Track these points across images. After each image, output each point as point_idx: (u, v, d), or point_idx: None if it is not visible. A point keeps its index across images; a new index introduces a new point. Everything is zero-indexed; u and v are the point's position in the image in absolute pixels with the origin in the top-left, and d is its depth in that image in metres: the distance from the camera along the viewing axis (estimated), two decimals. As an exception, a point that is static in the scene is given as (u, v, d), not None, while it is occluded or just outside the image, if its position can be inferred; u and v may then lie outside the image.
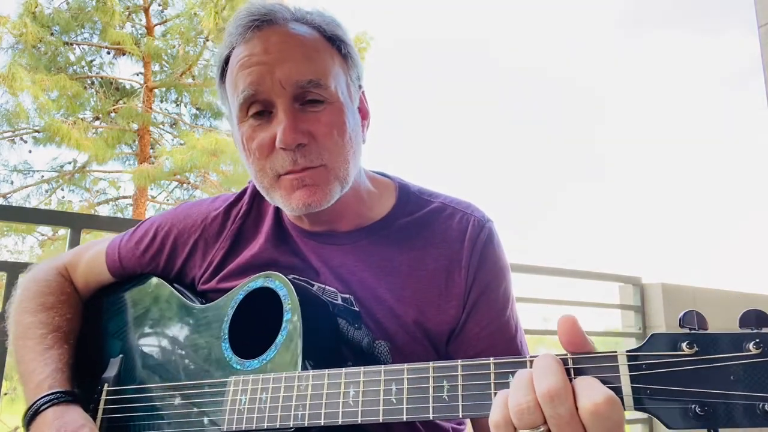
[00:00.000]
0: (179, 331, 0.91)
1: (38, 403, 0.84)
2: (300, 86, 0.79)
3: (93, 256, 1.04)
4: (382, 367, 0.64)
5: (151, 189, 12.03)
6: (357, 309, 0.86)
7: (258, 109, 0.81)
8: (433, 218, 0.90)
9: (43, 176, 11.92)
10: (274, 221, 0.94)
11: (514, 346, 0.88)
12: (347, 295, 0.87)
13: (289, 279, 0.84)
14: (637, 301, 3.04)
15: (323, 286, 0.88)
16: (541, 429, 0.52)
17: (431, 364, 0.62)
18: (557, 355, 0.55)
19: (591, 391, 0.51)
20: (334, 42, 0.85)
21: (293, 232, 0.93)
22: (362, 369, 0.66)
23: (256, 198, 0.97)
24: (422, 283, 0.86)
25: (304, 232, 0.91)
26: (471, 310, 0.86)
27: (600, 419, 0.50)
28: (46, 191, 11.98)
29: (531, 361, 0.56)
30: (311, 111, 0.80)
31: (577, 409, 0.51)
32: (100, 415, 0.90)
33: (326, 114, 0.81)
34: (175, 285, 0.97)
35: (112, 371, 0.93)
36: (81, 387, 0.91)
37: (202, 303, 0.93)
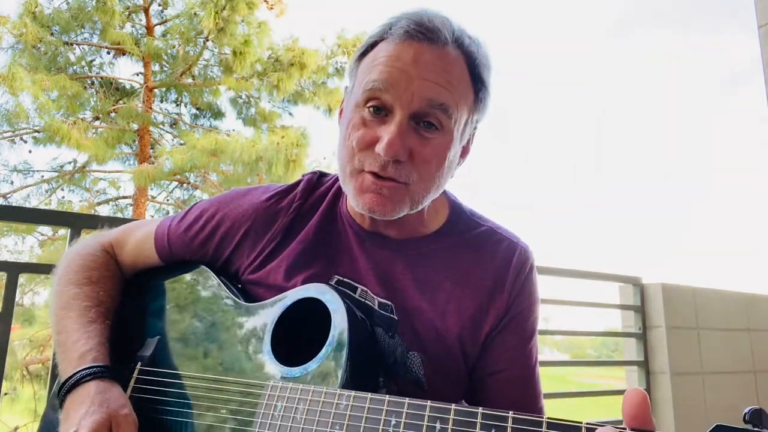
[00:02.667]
0: (221, 324, 0.91)
1: (81, 373, 0.83)
2: (430, 105, 0.80)
3: (142, 237, 1.04)
4: (428, 403, 0.63)
5: (151, 189, 12.03)
6: (395, 317, 0.86)
7: (377, 104, 0.81)
8: (482, 240, 0.93)
9: (43, 176, 11.92)
10: (326, 216, 0.95)
11: (531, 374, 0.91)
12: (388, 303, 0.87)
13: (335, 286, 0.84)
14: (637, 301, 3.04)
15: (366, 289, 0.89)
16: None
17: (480, 409, 0.60)
18: (617, 428, 0.53)
19: None
20: (476, 81, 0.86)
21: (348, 228, 0.93)
22: (407, 400, 0.65)
23: (311, 192, 0.98)
24: (465, 299, 0.88)
25: (359, 230, 0.93)
26: (503, 329, 0.89)
27: None
28: (46, 191, 11.97)
29: (587, 428, 0.55)
30: (423, 134, 0.81)
31: None
32: (129, 392, 0.90)
33: (434, 143, 0.82)
34: (222, 277, 0.97)
35: (147, 350, 0.93)
36: (116, 360, 0.90)
37: (246, 298, 0.93)
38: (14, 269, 1.54)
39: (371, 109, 0.81)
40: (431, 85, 0.79)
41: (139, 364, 0.92)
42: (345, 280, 0.90)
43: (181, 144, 11.59)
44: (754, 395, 3.18)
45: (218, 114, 12.60)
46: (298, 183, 0.99)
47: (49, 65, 11.12)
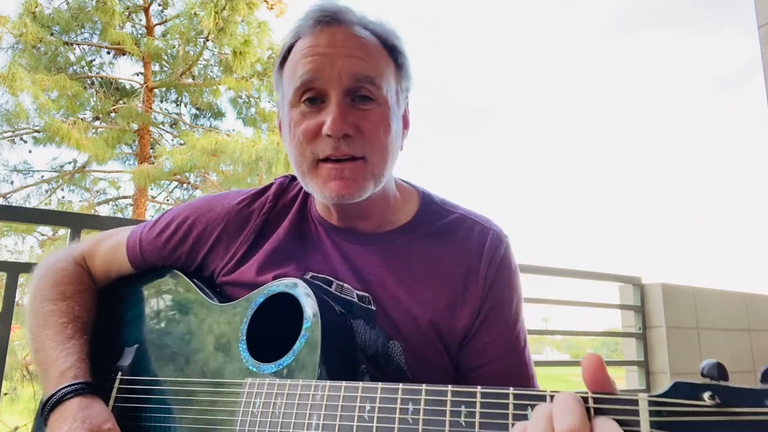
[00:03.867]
0: (197, 326, 0.91)
1: (63, 391, 0.84)
2: (357, 79, 0.83)
3: (113, 246, 1.04)
4: (400, 385, 0.64)
5: (151, 189, 12.03)
6: (373, 308, 0.87)
7: (311, 95, 0.84)
8: (453, 228, 0.93)
9: (43, 176, 11.92)
10: (298, 216, 0.96)
11: (521, 360, 0.90)
12: (365, 294, 0.88)
13: (308, 280, 0.85)
14: (637, 301, 3.04)
15: (342, 283, 0.89)
16: None
17: (450, 387, 0.61)
18: (578, 393, 0.55)
19: None
20: (392, 51, 0.90)
21: (319, 226, 0.95)
22: (380, 385, 0.65)
23: (282, 194, 0.99)
24: (439, 288, 0.88)
25: (330, 227, 0.94)
26: (484, 320, 0.88)
27: None
28: (46, 191, 11.97)
29: (552, 396, 0.56)
30: (361, 107, 0.84)
31: None
32: (111, 402, 0.90)
33: (374, 113, 0.84)
34: (194, 280, 0.98)
35: (126, 360, 0.94)
36: (95, 373, 0.91)
37: (219, 299, 0.93)
38: (14, 269, 1.54)
39: (306, 102, 0.84)
40: (354, 60, 0.83)
41: (120, 374, 0.93)
42: (320, 275, 0.90)
43: (181, 144, 11.59)
44: None
45: (218, 114, 12.61)
46: (270, 186, 1.01)
47: (49, 65, 11.12)
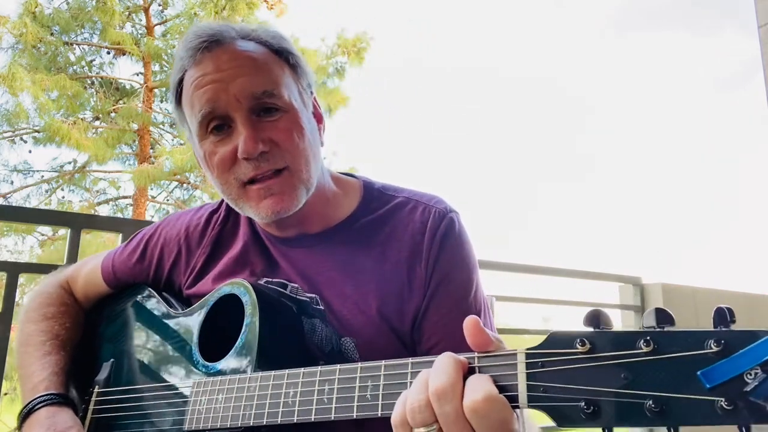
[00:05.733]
0: (160, 337, 0.97)
1: (33, 402, 0.91)
2: (255, 98, 0.82)
3: (91, 269, 1.11)
4: (318, 368, 0.68)
5: (151, 189, 12.04)
6: (321, 308, 0.88)
7: (217, 123, 0.84)
8: (396, 213, 0.92)
9: (43, 176, 11.93)
10: (249, 226, 0.98)
11: None
12: (313, 296, 0.89)
13: (258, 283, 0.88)
14: (637, 301, 3.04)
15: (296, 286, 0.90)
16: (434, 428, 0.53)
17: (360, 364, 0.64)
18: (463, 355, 0.56)
19: (474, 390, 0.52)
20: (282, 54, 0.89)
21: (264, 237, 0.96)
22: (302, 370, 0.69)
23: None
24: (386, 276, 0.87)
25: (274, 238, 0.94)
26: (431, 299, 0.87)
27: (479, 417, 0.51)
28: (46, 191, 11.98)
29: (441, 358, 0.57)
30: (268, 120, 0.84)
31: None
32: (89, 415, 0.96)
33: (283, 121, 0.84)
34: (163, 293, 1.02)
35: (103, 374, 1.00)
36: (76, 388, 0.99)
37: (183, 310, 0.97)
38: (14, 269, 1.54)
39: (213, 131, 0.84)
40: (245, 80, 0.82)
41: (96, 387, 0.99)
42: (275, 280, 0.92)
43: (181, 144, 11.60)
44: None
45: (218, 114, 12.59)
46: (223, 200, 1.02)
47: (49, 65, 11.13)
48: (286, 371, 0.70)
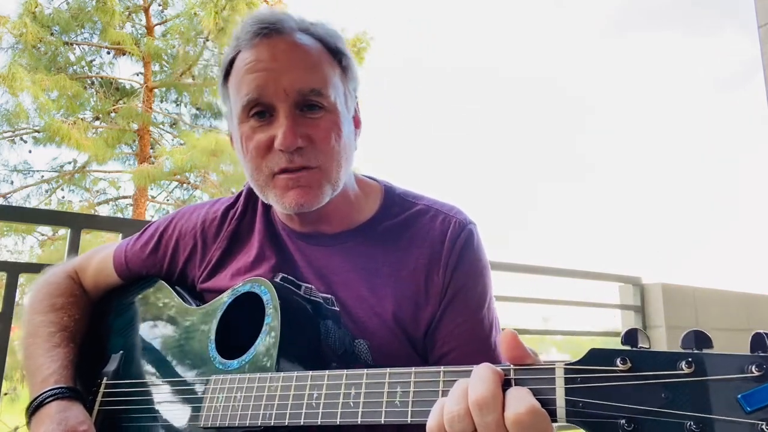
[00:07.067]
0: (174, 331, 0.96)
1: (43, 395, 0.88)
2: (303, 94, 0.82)
3: (102, 259, 1.10)
4: (345, 372, 0.67)
5: (151, 189, 12.04)
6: (336, 309, 0.88)
7: (259, 110, 0.84)
8: (416, 220, 0.92)
9: (43, 176, 11.93)
10: (266, 222, 0.97)
11: (486, 346, 0.89)
12: (328, 296, 0.89)
13: (277, 281, 0.88)
14: (637, 301, 3.04)
15: (310, 286, 0.90)
16: None
17: (388, 370, 0.64)
18: (500, 366, 0.57)
19: (517, 402, 0.53)
20: (336, 54, 0.89)
21: (283, 232, 0.96)
22: (326, 373, 0.69)
23: (251, 200, 1.01)
24: (403, 282, 0.88)
25: (293, 233, 0.94)
26: (446, 308, 0.88)
27: (521, 429, 0.52)
28: (46, 191, 11.98)
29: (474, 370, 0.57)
30: (310, 117, 0.84)
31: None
32: (97, 407, 0.95)
33: (324, 121, 0.84)
34: (176, 287, 1.01)
35: (111, 366, 0.98)
36: (83, 378, 0.96)
37: (198, 304, 0.96)
38: (14, 269, 1.54)
39: (255, 116, 0.84)
40: (298, 75, 0.82)
41: (105, 379, 0.97)
42: (289, 278, 0.92)
43: (181, 144, 11.60)
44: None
45: (218, 114, 12.60)
46: (241, 193, 1.03)
47: (49, 65, 11.13)
48: (309, 373, 0.70)
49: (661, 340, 2.95)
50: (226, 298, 0.89)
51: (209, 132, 11.39)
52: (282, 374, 0.73)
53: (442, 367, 0.60)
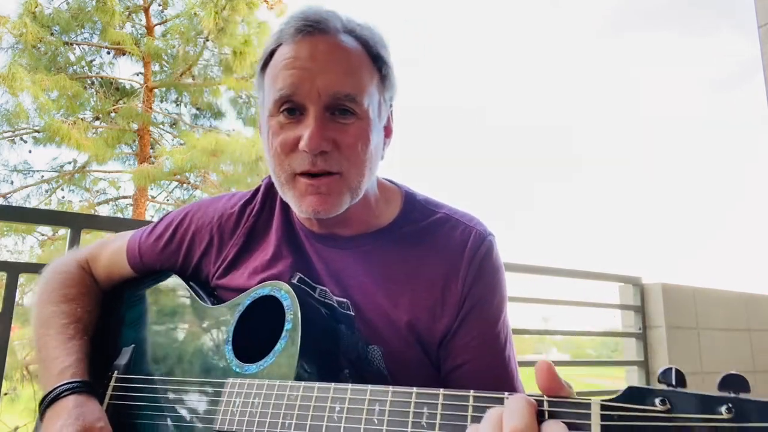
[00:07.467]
0: (189, 328, 0.94)
1: (60, 389, 0.87)
2: (336, 97, 0.81)
3: (115, 250, 1.07)
4: (369, 387, 0.66)
5: (151, 189, 12.03)
6: (352, 313, 0.87)
7: (290, 107, 0.83)
8: (436, 228, 0.92)
9: (43, 176, 11.92)
10: (284, 220, 0.96)
11: (501, 360, 0.89)
12: (344, 300, 0.88)
13: (294, 282, 0.87)
14: (637, 301, 3.04)
15: (324, 289, 0.90)
16: None
17: (415, 389, 0.62)
18: (532, 396, 0.56)
19: None
20: (376, 61, 0.87)
21: (301, 232, 0.95)
22: (350, 386, 0.67)
23: (269, 196, 0.99)
24: (419, 290, 0.87)
25: (311, 234, 0.93)
26: (463, 320, 0.87)
27: None
28: (46, 191, 11.97)
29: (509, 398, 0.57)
30: (340, 121, 0.82)
31: None
32: (106, 400, 0.93)
33: (354, 127, 0.83)
34: (191, 282, 1.00)
35: (123, 359, 0.97)
36: (94, 370, 0.94)
37: (213, 301, 0.95)
38: (14, 269, 1.54)
39: (285, 112, 0.83)
40: (333, 78, 0.81)
41: (116, 372, 0.96)
42: (306, 279, 0.91)
43: (181, 144, 11.59)
44: (754, 395, 3.17)
45: (218, 114, 12.60)
46: (258, 189, 1.01)
47: (49, 65, 11.12)
48: (332, 385, 0.69)
49: (661, 340, 2.95)
50: (244, 300, 0.88)
51: (209, 132, 11.38)
52: (302, 384, 0.71)
53: (471, 391, 0.59)
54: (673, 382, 0.50)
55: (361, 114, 0.83)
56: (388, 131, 0.94)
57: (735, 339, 3.25)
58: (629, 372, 3.06)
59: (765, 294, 3.51)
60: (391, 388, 0.64)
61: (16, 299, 1.52)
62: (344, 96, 0.81)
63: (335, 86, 0.81)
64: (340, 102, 0.81)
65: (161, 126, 12.54)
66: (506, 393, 0.58)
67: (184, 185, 12.33)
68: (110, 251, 1.08)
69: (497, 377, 0.88)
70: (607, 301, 3.08)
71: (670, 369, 0.51)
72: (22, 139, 11.24)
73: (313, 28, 0.83)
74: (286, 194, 0.86)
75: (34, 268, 1.66)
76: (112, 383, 0.95)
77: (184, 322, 0.95)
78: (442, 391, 0.61)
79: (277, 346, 0.79)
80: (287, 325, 0.79)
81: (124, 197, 12.26)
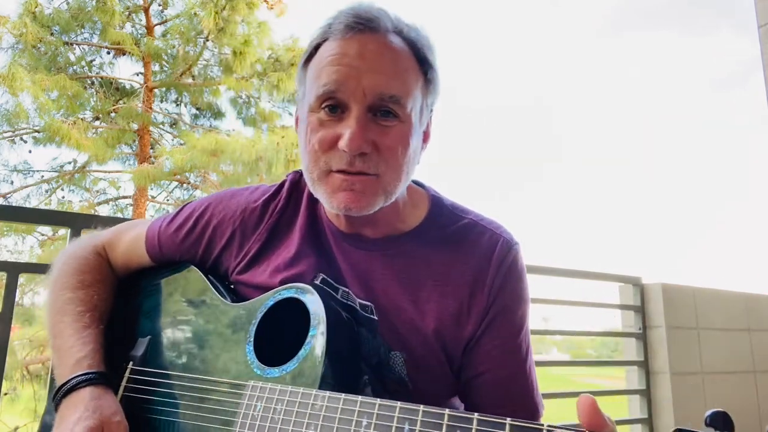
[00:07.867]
0: (208, 324, 0.92)
1: (77, 379, 0.85)
2: (381, 98, 0.79)
3: (134, 238, 1.05)
4: (398, 404, 0.64)
5: (151, 189, 12.03)
6: (375, 318, 0.86)
7: (332, 104, 0.81)
8: (463, 234, 0.91)
9: (43, 176, 11.91)
10: (309, 218, 0.95)
11: (522, 370, 0.89)
12: (368, 303, 0.87)
13: (318, 285, 0.85)
14: (637, 301, 3.04)
15: (347, 290, 0.89)
16: None
17: (447, 411, 0.61)
18: (577, 429, 0.54)
19: None
20: (423, 64, 0.86)
21: (327, 230, 0.93)
22: (378, 401, 0.65)
23: (293, 193, 0.98)
24: (445, 297, 0.86)
25: (338, 233, 0.92)
26: (486, 328, 0.86)
27: None
28: (46, 191, 11.97)
29: (548, 429, 0.55)
30: (382, 123, 0.81)
31: None
32: (121, 391, 0.92)
33: (395, 131, 0.81)
34: (210, 276, 0.98)
35: (138, 350, 0.95)
36: (109, 361, 0.92)
37: (233, 297, 0.93)
38: (14, 269, 1.54)
39: (326, 109, 0.81)
40: (380, 78, 0.79)
41: (131, 363, 0.94)
42: (328, 281, 0.90)
43: (181, 144, 11.59)
44: (754, 395, 3.18)
45: (218, 114, 12.60)
46: (283, 184, 0.99)
47: (49, 65, 11.11)
48: (359, 398, 0.66)
49: (661, 340, 2.95)
50: (267, 300, 0.86)
51: (209, 132, 11.38)
52: (328, 393, 0.69)
53: (507, 419, 0.57)
54: (722, 427, 0.50)
55: (404, 117, 0.82)
56: (426, 136, 0.92)
57: (735, 339, 3.25)
58: (629, 372, 3.05)
59: (765, 294, 3.51)
60: (421, 407, 0.62)
61: (16, 299, 1.52)
62: (389, 97, 0.80)
63: (381, 87, 0.79)
64: (384, 103, 0.80)
65: (161, 126, 12.53)
66: (546, 424, 0.56)
67: (184, 185, 12.32)
68: (129, 239, 1.05)
69: (517, 388, 0.88)
70: (607, 301, 3.08)
71: (720, 413, 0.50)
72: (22, 139, 11.23)
73: (363, 26, 0.81)
74: (317, 189, 0.85)
75: (34, 268, 1.66)
76: (127, 374, 0.93)
77: (203, 317, 0.93)
78: (476, 416, 0.59)
79: (301, 352, 0.77)
80: (312, 331, 0.77)
81: (124, 197, 12.25)
